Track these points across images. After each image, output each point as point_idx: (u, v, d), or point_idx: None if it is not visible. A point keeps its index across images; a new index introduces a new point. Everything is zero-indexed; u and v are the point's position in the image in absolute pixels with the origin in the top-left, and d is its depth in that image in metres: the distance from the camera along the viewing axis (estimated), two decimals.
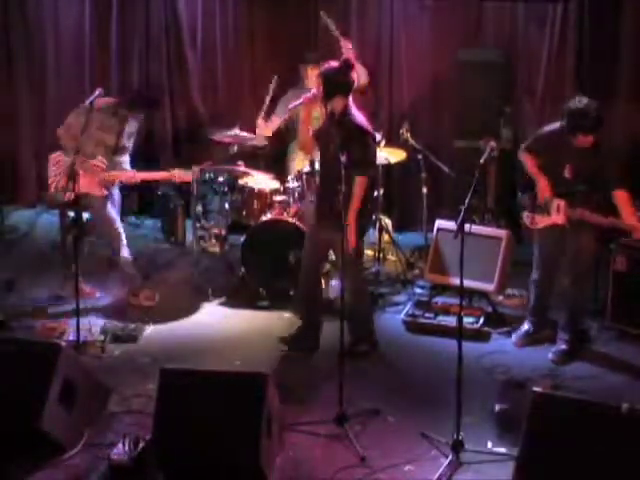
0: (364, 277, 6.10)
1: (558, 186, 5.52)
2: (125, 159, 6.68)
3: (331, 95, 5.47)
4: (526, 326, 5.94)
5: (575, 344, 5.74)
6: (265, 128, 7.20)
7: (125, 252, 6.64)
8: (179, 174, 6.56)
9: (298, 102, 5.85)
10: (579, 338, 5.79)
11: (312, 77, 7.21)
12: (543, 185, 5.58)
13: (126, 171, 6.59)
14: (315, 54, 7.31)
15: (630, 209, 5.36)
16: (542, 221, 5.63)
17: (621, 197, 5.37)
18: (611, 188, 5.39)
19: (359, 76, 6.97)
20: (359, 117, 5.54)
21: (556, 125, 5.52)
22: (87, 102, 6.07)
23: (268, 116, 7.22)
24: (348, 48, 6.95)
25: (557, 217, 5.53)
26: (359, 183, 5.42)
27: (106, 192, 6.49)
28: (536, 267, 5.85)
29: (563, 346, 5.73)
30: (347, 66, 5.59)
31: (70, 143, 6.33)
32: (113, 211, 6.60)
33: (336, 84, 5.47)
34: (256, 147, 7.39)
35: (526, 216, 5.69)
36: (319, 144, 5.70)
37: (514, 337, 5.93)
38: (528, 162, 5.66)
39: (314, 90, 5.63)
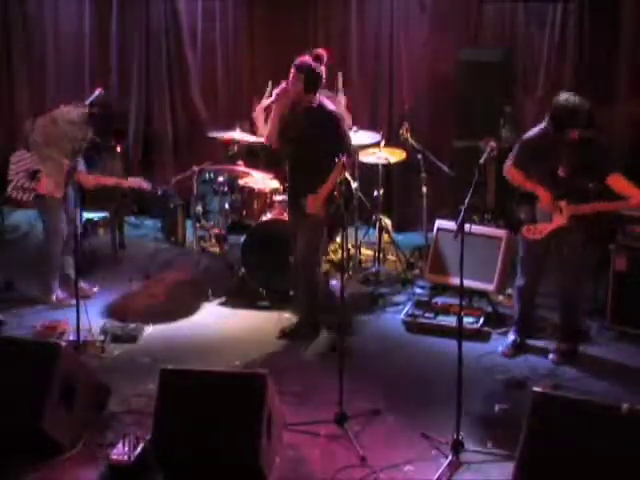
0: (319, 272, 6.09)
1: (556, 188, 5.44)
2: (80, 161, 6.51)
3: (312, 89, 5.63)
4: (512, 336, 5.88)
5: (573, 345, 5.72)
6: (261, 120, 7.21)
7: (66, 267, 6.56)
8: (133, 182, 6.58)
9: (272, 99, 5.88)
10: (578, 338, 5.77)
11: None
12: (542, 193, 5.46)
13: (83, 173, 6.46)
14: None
15: (630, 188, 5.26)
16: (546, 229, 5.47)
17: (616, 180, 5.28)
18: (605, 175, 5.30)
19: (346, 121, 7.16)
20: (329, 104, 5.78)
21: (539, 127, 5.45)
22: (87, 102, 6.06)
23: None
24: (341, 101, 7.15)
25: (560, 219, 5.47)
26: (341, 164, 5.62)
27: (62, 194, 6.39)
28: (521, 273, 5.76)
29: (562, 346, 5.71)
30: (320, 61, 5.89)
31: (44, 146, 6.26)
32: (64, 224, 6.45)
33: (316, 78, 5.63)
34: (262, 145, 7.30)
35: (527, 230, 5.51)
36: (291, 137, 5.78)
37: (502, 348, 5.86)
38: (516, 177, 5.57)
39: (283, 85, 5.70)
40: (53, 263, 6.45)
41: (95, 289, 6.71)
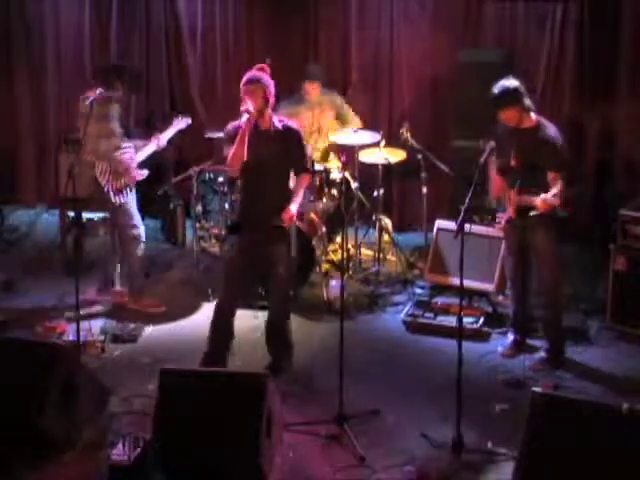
0: (291, 298, 5.84)
1: (510, 178, 5.43)
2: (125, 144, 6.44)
3: (268, 104, 5.29)
4: (511, 336, 5.88)
5: (555, 352, 5.62)
6: None
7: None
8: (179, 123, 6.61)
9: (238, 123, 5.31)
10: (561, 346, 5.66)
11: (312, 91, 7.23)
12: (495, 183, 5.59)
13: (144, 143, 6.46)
14: (315, 68, 7.32)
15: (554, 189, 5.16)
16: (502, 218, 5.53)
17: (553, 178, 5.23)
18: (547, 170, 5.27)
19: (355, 123, 7.27)
20: (284, 119, 5.48)
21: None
22: (87, 103, 6.06)
23: None
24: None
25: (510, 210, 5.45)
26: (305, 179, 5.52)
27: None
28: (508, 268, 5.80)
29: (542, 354, 5.66)
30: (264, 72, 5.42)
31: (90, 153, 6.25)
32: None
33: (273, 92, 5.30)
34: None
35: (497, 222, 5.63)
36: (255, 158, 5.26)
37: (501, 348, 5.86)
38: (497, 183, 5.64)
39: (248, 107, 5.18)
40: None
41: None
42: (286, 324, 5.59)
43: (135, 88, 6.49)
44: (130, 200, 6.36)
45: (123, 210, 6.33)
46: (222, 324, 5.49)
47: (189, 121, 6.76)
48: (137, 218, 6.44)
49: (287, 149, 5.33)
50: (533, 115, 5.38)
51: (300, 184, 5.47)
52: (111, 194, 6.27)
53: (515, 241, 5.61)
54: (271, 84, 5.29)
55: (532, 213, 5.21)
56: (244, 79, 5.26)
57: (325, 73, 7.38)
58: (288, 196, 5.38)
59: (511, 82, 5.31)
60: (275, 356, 5.56)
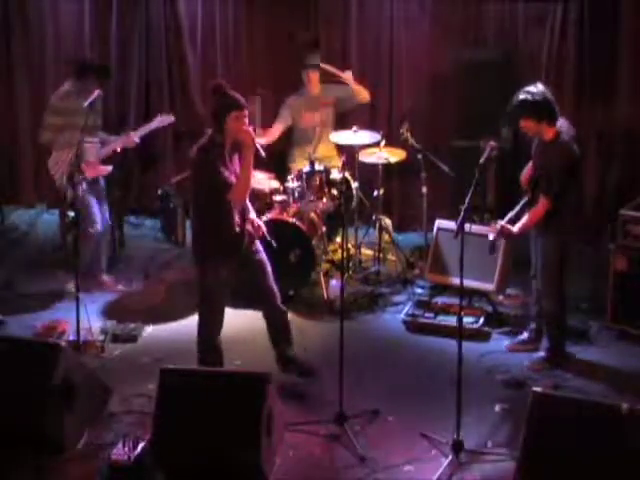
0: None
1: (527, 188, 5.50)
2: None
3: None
4: (525, 334, 5.86)
5: (555, 351, 5.61)
6: (267, 138, 7.22)
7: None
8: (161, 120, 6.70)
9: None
10: (561, 345, 5.65)
11: (314, 80, 7.27)
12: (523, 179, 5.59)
13: (115, 139, 6.55)
14: (316, 56, 7.34)
15: (530, 214, 5.25)
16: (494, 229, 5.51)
17: (540, 202, 5.25)
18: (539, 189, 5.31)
19: (363, 96, 7.29)
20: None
21: None
22: (86, 104, 6.06)
23: (264, 129, 7.27)
24: (349, 78, 7.22)
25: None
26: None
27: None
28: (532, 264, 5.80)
29: (541, 353, 5.66)
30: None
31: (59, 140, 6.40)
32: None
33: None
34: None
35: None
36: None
37: (508, 341, 5.89)
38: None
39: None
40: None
41: (120, 287, 6.75)
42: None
43: (103, 83, 6.57)
44: (87, 195, 6.42)
45: (79, 204, 6.35)
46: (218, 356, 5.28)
47: (171, 119, 6.85)
48: (94, 213, 6.50)
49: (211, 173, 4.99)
50: (555, 128, 5.28)
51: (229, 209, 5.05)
52: (63, 186, 6.37)
53: (530, 243, 5.63)
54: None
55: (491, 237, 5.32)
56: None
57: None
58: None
59: (534, 91, 5.24)
60: (279, 347, 5.45)
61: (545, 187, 5.27)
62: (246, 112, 5.03)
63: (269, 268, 5.41)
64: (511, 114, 5.33)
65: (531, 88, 5.27)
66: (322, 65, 7.32)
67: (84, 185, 6.39)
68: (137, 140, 6.58)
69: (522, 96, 5.25)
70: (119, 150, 6.65)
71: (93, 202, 6.52)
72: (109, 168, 6.48)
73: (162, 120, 6.72)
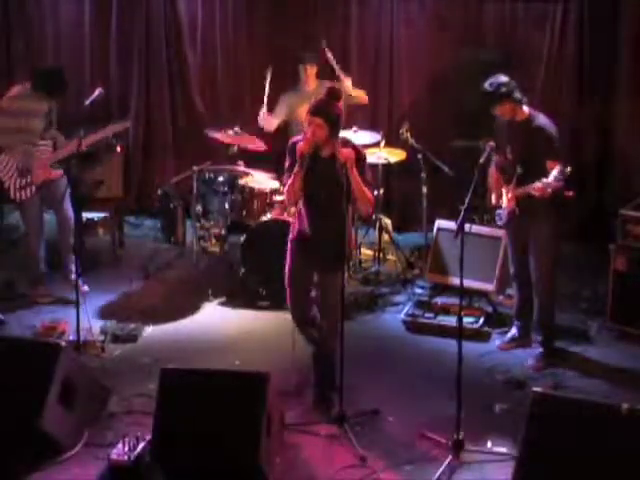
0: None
1: (506, 172, 5.49)
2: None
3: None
4: (513, 330, 5.88)
5: (549, 345, 5.64)
6: (267, 122, 7.21)
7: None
8: (114, 128, 6.59)
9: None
10: (553, 334, 5.68)
11: (311, 75, 7.27)
12: (493, 177, 5.61)
13: (67, 143, 6.45)
14: (313, 53, 7.34)
15: (553, 173, 5.13)
16: (503, 214, 5.52)
17: (550, 167, 5.21)
18: (544, 162, 5.27)
19: (360, 99, 7.27)
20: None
21: None
22: (87, 102, 6.06)
23: (271, 109, 7.24)
24: (348, 86, 7.16)
25: (509, 203, 5.45)
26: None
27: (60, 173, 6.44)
28: (511, 261, 5.81)
29: (538, 349, 5.67)
30: None
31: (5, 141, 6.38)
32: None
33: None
34: (256, 151, 7.28)
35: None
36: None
37: (499, 341, 5.89)
38: (494, 179, 5.66)
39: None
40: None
41: (85, 288, 6.58)
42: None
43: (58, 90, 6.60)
44: (32, 200, 6.43)
45: (25, 208, 6.44)
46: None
47: (127, 124, 6.88)
48: (32, 219, 6.55)
49: None
50: (525, 108, 5.42)
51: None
52: (11, 190, 6.36)
53: (518, 239, 5.62)
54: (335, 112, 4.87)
55: (535, 189, 5.17)
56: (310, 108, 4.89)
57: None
58: None
59: (501, 78, 5.38)
60: (319, 384, 5.22)
61: (552, 151, 5.29)
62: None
63: None
64: (490, 103, 5.40)
65: (495, 78, 5.39)
66: (326, 50, 7.23)
67: (32, 189, 6.38)
68: (84, 148, 6.46)
69: (494, 83, 5.36)
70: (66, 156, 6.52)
71: (34, 209, 6.51)
72: (59, 172, 6.42)
73: (114, 128, 6.62)
